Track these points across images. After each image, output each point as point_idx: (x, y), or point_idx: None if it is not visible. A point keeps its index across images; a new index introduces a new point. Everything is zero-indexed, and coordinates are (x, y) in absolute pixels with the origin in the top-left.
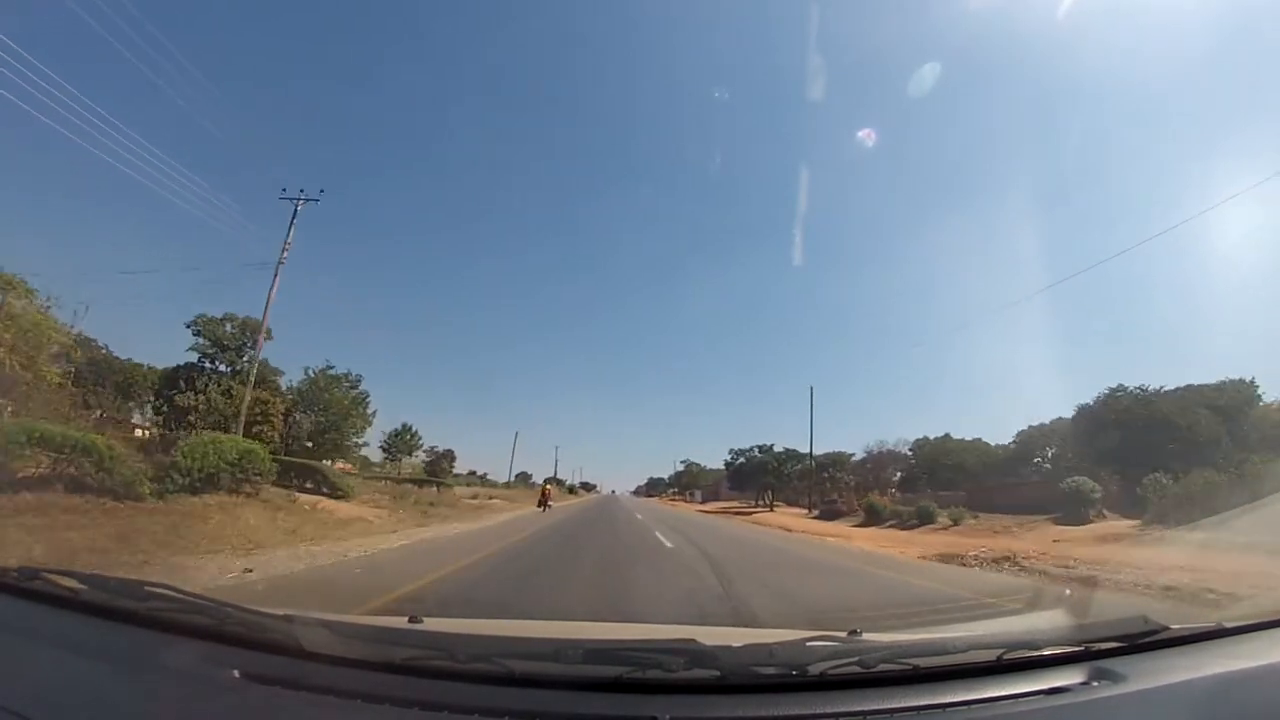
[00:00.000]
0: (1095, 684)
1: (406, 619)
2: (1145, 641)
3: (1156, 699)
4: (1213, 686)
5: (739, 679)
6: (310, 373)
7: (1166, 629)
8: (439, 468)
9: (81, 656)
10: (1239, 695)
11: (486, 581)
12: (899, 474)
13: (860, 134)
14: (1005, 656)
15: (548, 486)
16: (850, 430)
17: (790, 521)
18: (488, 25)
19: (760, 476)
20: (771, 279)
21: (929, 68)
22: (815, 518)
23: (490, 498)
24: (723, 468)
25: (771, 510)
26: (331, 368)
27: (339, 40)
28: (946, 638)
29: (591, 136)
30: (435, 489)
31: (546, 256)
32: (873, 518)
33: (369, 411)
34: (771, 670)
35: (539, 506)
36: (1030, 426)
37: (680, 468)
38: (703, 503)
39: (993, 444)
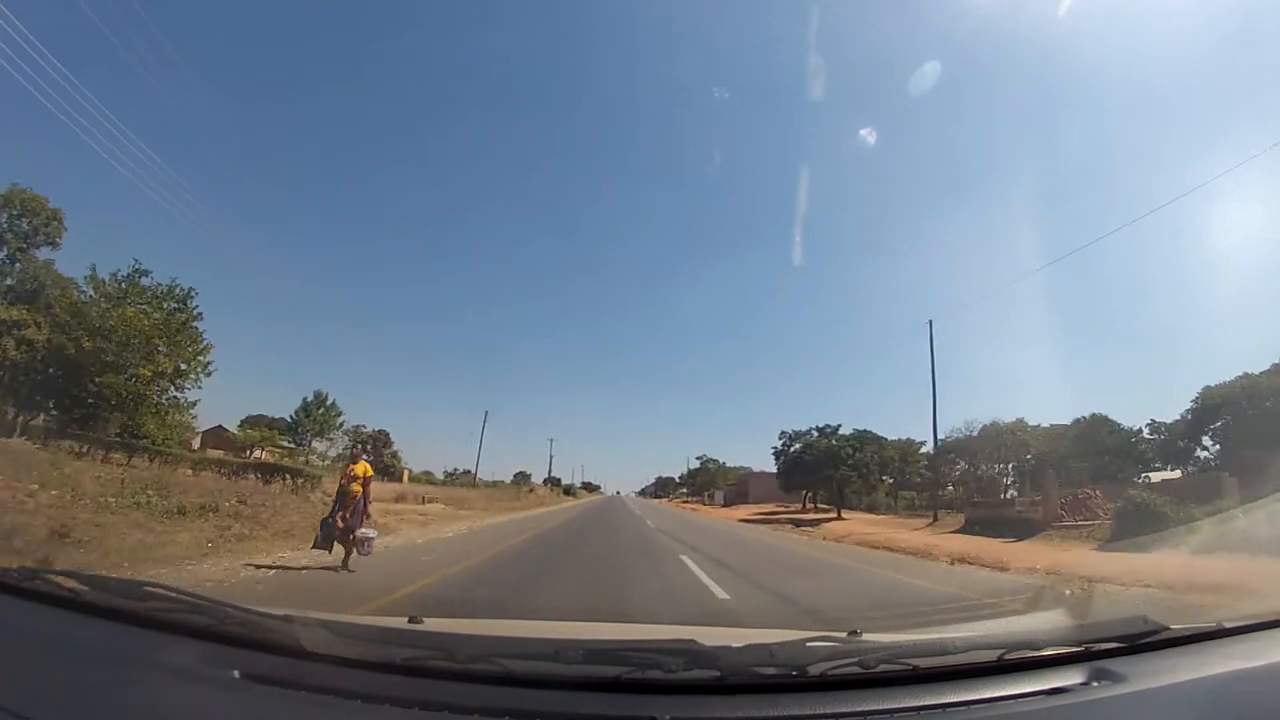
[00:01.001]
0: (1095, 684)
1: (406, 619)
2: (1145, 641)
3: (1156, 699)
4: (1213, 686)
5: (739, 679)
6: (98, 278)
7: (1166, 629)
8: (355, 453)
9: (81, 656)
10: (1239, 695)
11: None
12: (992, 467)
13: (862, 132)
14: (1005, 657)
15: (357, 471)
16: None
17: (952, 544)
18: (488, 25)
19: (826, 469)
20: (780, 272)
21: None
22: (961, 532)
23: (430, 500)
24: (746, 466)
25: (840, 518)
26: (143, 273)
27: (334, 33)
28: (946, 638)
29: (596, 134)
30: (290, 481)
31: (547, 253)
32: (1136, 527)
33: (200, 348)
34: (771, 670)
35: (318, 548)
36: (1209, 387)
37: (695, 464)
38: (726, 505)
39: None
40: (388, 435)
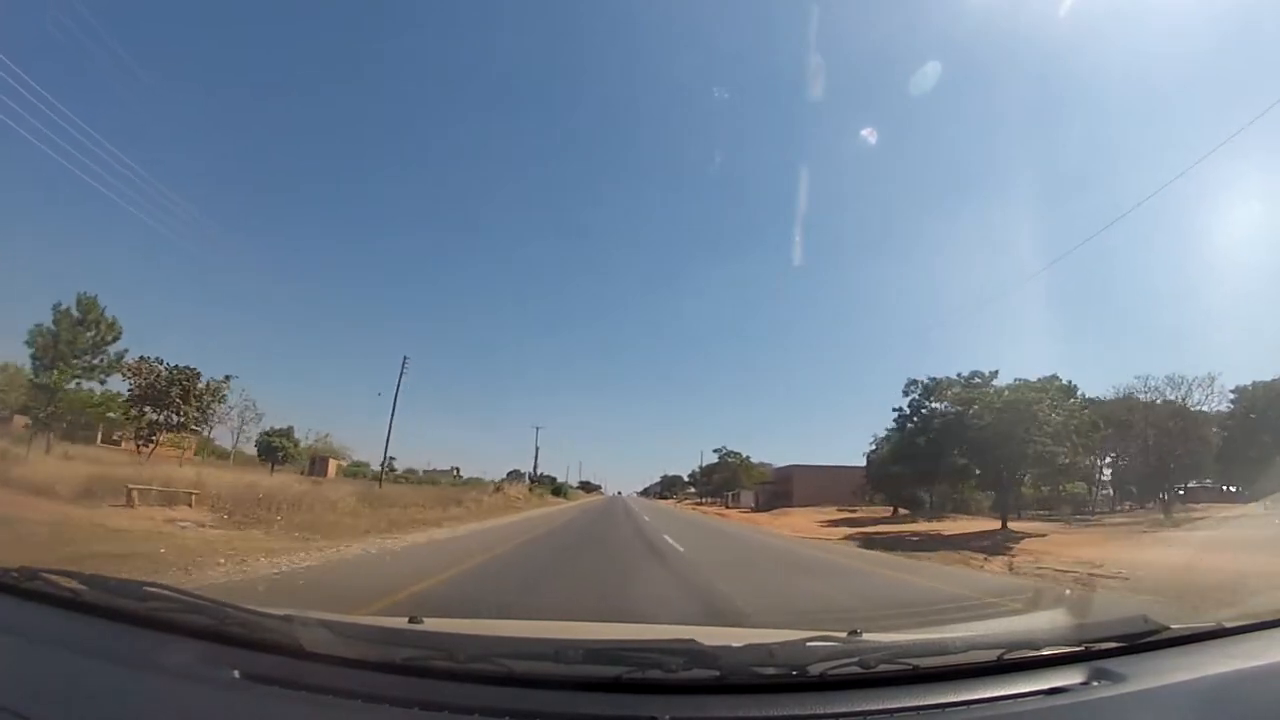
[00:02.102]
0: (1095, 684)
1: (406, 619)
2: (1145, 641)
3: (1156, 699)
4: (1213, 686)
5: (739, 679)
6: None
7: (1166, 629)
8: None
9: (81, 656)
10: (1239, 695)
11: None
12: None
13: (863, 132)
14: (1005, 656)
15: None
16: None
17: None
18: (487, 25)
19: (1010, 442)
20: (783, 270)
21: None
22: None
23: (182, 503)
24: (766, 463)
25: (1005, 528)
26: None
27: (332, 33)
28: (946, 638)
29: (597, 134)
30: None
31: (547, 252)
32: None
33: None
34: (771, 670)
35: None
36: None
37: (710, 459)
38: (761, 509)
39: None
40: (195, 374)
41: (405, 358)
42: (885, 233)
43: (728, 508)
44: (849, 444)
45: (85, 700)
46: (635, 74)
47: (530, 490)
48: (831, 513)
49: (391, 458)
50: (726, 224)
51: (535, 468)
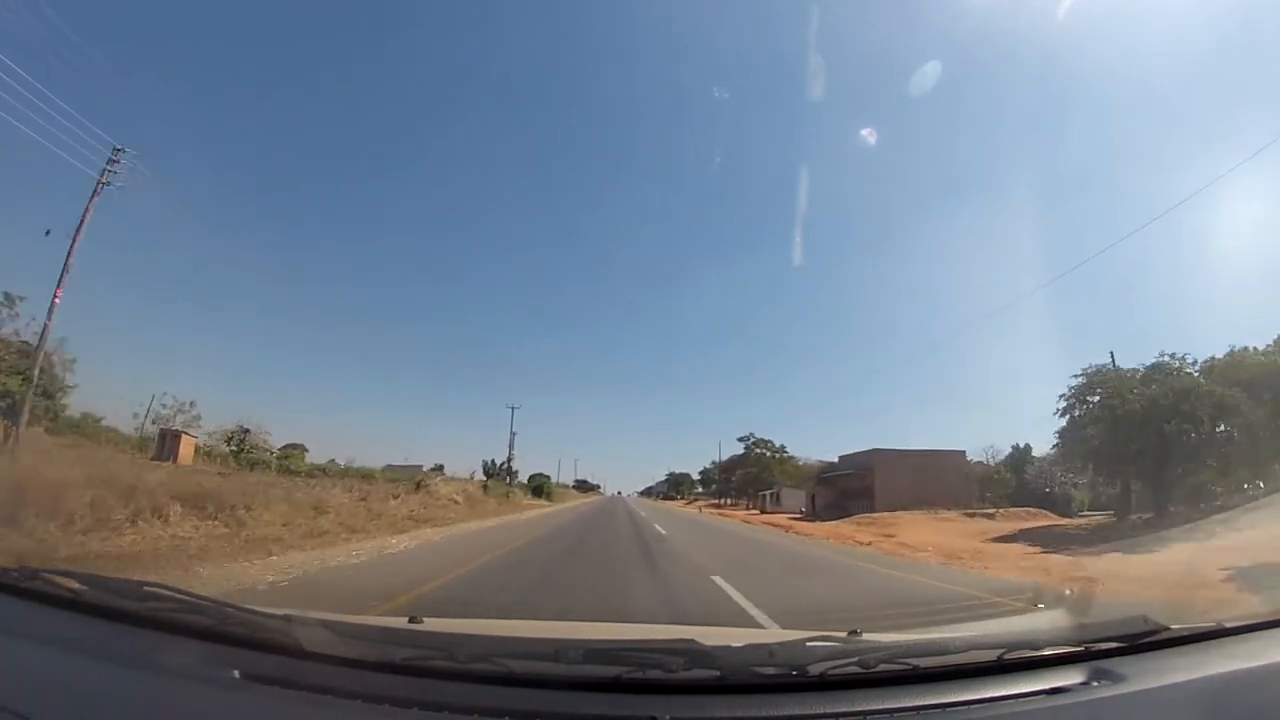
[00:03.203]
0: (1095, 684)
1: (407, 619)
2: (1145, 641)
3: (1156, 699)
4: (1213, 686)
5: (739, 679)
6: None
7: (1166, 629)
8: None
9: (81, 656)
10: (1239, 695)
11: None
12: None
13: (863, 132)
14: (1005, 656)
15: None
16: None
17: None
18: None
19: None
20: (783, 268)
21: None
22: None
23: None
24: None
25: None
26: None
27: (326, 27)
28: (946, 638)
29: (596, 135)
30: None
31: (548, 251)
32: None
33: None
34: (771, 670)
35: None
36: None
37: (735, 449)
38: (826, 516)
39: None
40: None
41: (118, 147)
42: (892, 228)
43: (764, 511)
44: (865, 442)
45: (85, 700)
46: (635, 73)
47: (485, 489)
48: (955, 519)
49: (298, 444)
50: (729, 221)
51: (510, 459)
